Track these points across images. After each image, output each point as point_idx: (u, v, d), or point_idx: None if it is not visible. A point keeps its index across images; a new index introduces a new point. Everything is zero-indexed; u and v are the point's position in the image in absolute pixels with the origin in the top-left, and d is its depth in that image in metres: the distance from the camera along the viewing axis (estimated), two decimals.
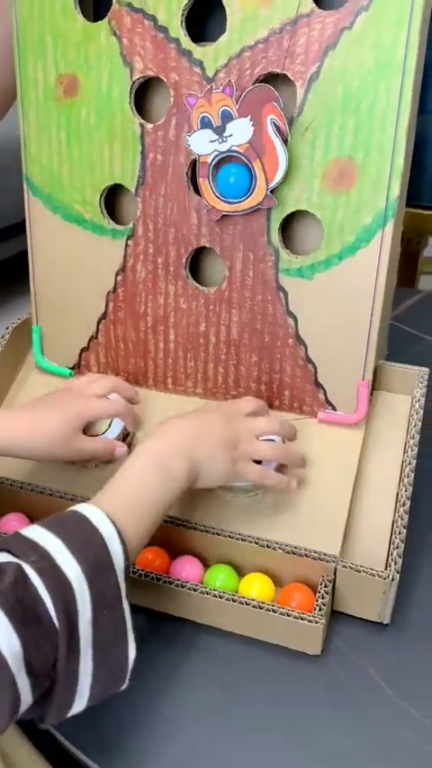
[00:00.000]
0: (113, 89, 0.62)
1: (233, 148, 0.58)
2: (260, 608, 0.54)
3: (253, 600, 0.54)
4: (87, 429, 0.63)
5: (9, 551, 0.43)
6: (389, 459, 0.63)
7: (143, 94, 0.64)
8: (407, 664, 0.54)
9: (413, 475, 0.60)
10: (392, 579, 0.54)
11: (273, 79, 0.57)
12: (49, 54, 0.64)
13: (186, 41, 0.59)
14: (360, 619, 0.57)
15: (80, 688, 0.43)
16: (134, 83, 0.62)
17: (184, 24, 0.59)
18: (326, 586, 0.55)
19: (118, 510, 0.47)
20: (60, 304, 0.72)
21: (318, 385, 0.65)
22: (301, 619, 0.53)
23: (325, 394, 0.65)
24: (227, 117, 0.57)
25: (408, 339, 0.94)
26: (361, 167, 0.57)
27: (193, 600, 0.56)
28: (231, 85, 0.57)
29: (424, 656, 0.55)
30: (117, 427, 0.64)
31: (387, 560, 0.56)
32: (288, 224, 0.61)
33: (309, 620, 0.53)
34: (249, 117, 0.57)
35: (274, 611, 0.54)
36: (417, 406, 0.64)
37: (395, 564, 0.54)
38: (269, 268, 0.62)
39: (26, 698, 0.40)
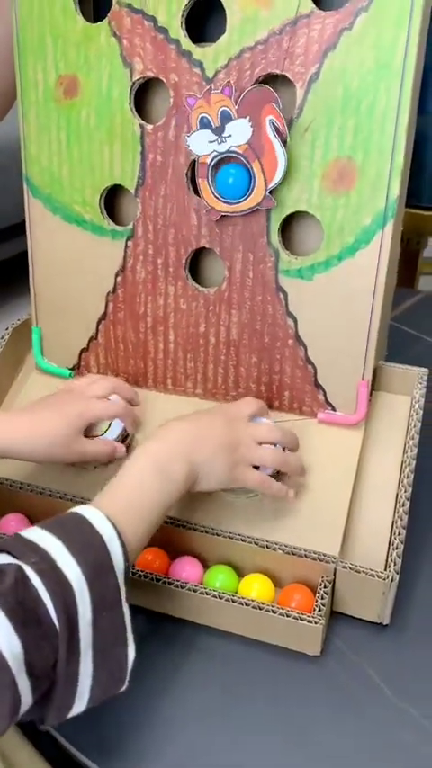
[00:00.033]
0: (113, 90, 0.62)
1: (232, 149, 0.58)
2: (260, 608, 0.54)
3: (253, 600, 0.55)
4: (87, 430, 0.62)
5: (9, 553, 0.43)
6: (388, 460, 0.63)
7: (143, 95, 0.64)
8: (406, 664, 0.54)
9: (413, 475, 0.60)
10: (392, 580, 0.54)
11: (272, 80, 0.57)
12: (49, 55, 0.64)
13: (186, 42, 0.59)
14: (360, 619, 0.57)
15: (80, 689, 0.43)
16: (134, 83, 0.62)
17: (184, 25, 0.59)
18: (325, 587, 0.55)
19: (118, 512, 0.47)
20: (60, 305, 0.72)
21: (317, 385, 0.65)
22: (301, 619, 0.53)
23: (325, 394, 0.65)
24: (226, 117, 0.57)
25: (407, 339, 0.94)
26: (361, 168, 0.57)
27: (192, 600, 0.56)
28: (230, 86, 0.57)
29: (424, 656, 0.55)
30: (117, 428, 0.64)
31: (387, 561, 0.56)
32: (288, 225, 0.61)
33: (308, 621, 0.53)
34: (248, 118, 0.57)
35: (273, 611, 0.54)
36: (416, 406, 0.64)
37: (395, 564, 0.54)
38: (269, 269, 0.62)
39: (26, 699, 0.40)
